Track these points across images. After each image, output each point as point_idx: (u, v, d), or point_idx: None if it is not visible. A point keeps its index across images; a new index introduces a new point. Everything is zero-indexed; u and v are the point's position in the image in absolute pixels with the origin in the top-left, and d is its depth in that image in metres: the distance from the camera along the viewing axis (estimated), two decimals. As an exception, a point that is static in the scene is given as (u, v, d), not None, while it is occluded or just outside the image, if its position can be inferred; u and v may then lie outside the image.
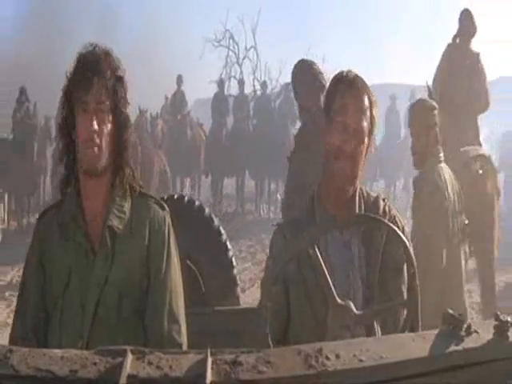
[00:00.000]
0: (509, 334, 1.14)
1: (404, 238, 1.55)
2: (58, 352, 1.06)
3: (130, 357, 1.02)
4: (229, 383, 0.98)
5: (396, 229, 1.57)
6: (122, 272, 1.73)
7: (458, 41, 5.19)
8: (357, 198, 1.73)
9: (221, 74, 15.43)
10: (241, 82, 13.86)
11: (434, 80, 5.10)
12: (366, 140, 1.71)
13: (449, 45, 5.23)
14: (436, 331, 1.17)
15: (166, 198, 2.77)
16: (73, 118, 1.73)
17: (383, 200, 1.78)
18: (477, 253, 4.51)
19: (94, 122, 1.70)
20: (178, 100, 12.65)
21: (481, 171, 4.58)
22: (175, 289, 1.81)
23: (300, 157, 3.64)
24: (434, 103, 3.54)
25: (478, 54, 5.16)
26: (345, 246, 1.69)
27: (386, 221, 1.62)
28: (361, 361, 1.04)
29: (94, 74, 1.70)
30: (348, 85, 1.70)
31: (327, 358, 1.03)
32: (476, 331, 1.15)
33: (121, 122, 1.76)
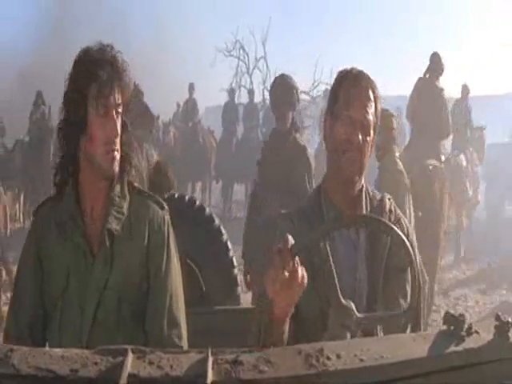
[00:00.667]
0: (509, 334, 1.14)
1: (407, 241, 1.55)
2: (58, 351, 1.06)
3: (130, 356, 1.02)
4: (229, 383, 0.98)
5: (400, 232, 1.56)
6: (121, 275, 1.72)
7: (427, 76, 6.30)
8: (363, 195, 1.74)
9: (231, 84, 15.89)
10: (251, 92, 14.40)
11: (408, 106, 6.33)
12: (372, 133, 1.71)
13: (419, 78, 6.28)
14: (437, 331, 1.17)
15: (166, 197, 2.77)
16: (84, 122, 1.67)
17: (389, 199, 1.78)
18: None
19: (118, 126, 1.67)
20: (189, 108, 13.06)
21: (430, 167, 5.68)
22: (175, 291, 1.79)
23: (271, 160, 3.98)
24: (393, 112, 4.51)
25: (442, 89, 6.27)
26: (352, 244, 1.69)
27: (390, 223, 1.62)
28: (362, 361, 1.04)
29: (114, 79, 1.66)
30: (352, 80, 1.71)
31: (328, 358, 1.03)
32: (477, 332, 1.15)
33: (125, 123, 1.74)
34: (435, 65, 6.27)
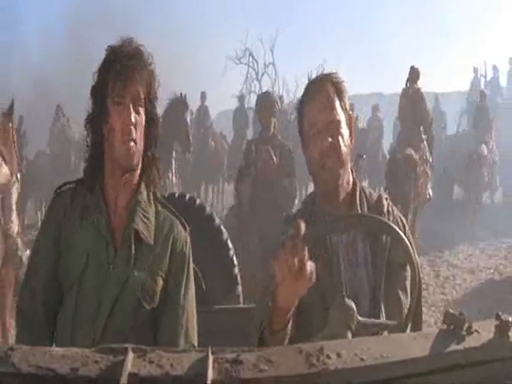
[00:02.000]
0: (510, 333, 1.14)
1: (406, 239, 1.55)
2: (59, 350, 1.06)
3: (131, 355, 1.02)
4: (230, 382, 0.98)
5: (398, 230, 1.56)
6: (142, 277, 1.71)
7: (408, 85, 8.05)
8: (358, 195, 1.73)
9: (241, 90, 16.79)
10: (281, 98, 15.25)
11: (398, 110, 8.29)
12: (345, 130, 1.70)
13: (403, 89, 8.14)
14: (437, 330, 1.17)
15: (167, 196, 2.77)
16: (104, 111, 1.69)
17: (386, 199, 1.78)
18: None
19: (132, 115, 1.66)
20: (201, 114, 14.15)
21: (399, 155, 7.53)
22: (192, 311, 1.80)
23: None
24: None
25: (418, 89, 8.00)
26: (351, 245, 1.69)
27: (388, 221, 1.62)
28: (362, 360, 1.04)
29: (131, 68, 1.67)
30: (309, 94, 1.72)
31: (328, 357, 1.03)
32: (477, 331, 1.15)
33: (152, 118, 1.73)
34: (412, 75, 8.03)
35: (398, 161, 7.43)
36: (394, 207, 1.79)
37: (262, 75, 17.37)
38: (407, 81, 8.03)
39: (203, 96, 14.44)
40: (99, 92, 1.70)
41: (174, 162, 8.49)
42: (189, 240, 1.84)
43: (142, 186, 1.76)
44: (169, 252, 1.77)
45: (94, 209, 1.72)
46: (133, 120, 1.66)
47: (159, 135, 1.78)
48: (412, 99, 7.82)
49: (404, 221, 1.79)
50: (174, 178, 8.55)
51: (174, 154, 8.48)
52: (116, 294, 1.68)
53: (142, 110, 1.70)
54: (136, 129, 1.67)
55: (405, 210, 6.99)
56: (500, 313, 1.16)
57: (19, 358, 1.02)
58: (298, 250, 1.27)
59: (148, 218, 1.75)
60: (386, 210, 1.74)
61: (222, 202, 13.90)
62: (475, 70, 17.65)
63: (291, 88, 16.76)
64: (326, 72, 1.78)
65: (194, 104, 13.69)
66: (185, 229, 1.83)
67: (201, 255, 2.77)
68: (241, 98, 15.13)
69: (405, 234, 1.62)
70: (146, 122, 1.72)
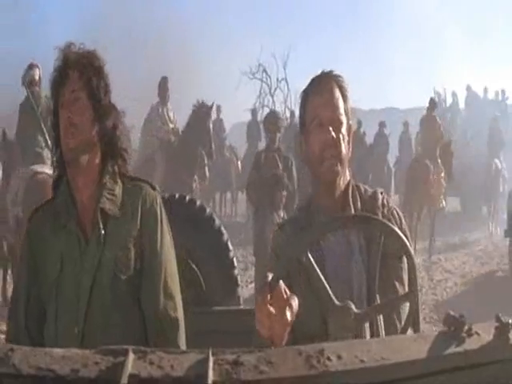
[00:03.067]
0: (510, 335, 1.14)
1: (401, 233, 1.55)
2: (59, 351, 1.06)
3: (131, 356, 1.02)
4: (230, 383, 0.98)
5: (392, 225, 1.57)
6: (114, 252, 1.75)
7: (426, 112, 10.61)
8: (350, 193, 1.73)
9: (254, 104, 17.83)
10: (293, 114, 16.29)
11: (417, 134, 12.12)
12: (346, 134, 1.71)
13: (423, 116, 10.67)
14: (437, 332, 1.17)
15: (167, 197, 2.77)
16: (58, 114, 1.77)
17: (381, 193, 1.77)
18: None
19: (69, 114, 1.72)
20: (216, 127, 14.66)
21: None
22: (170, 266, 1.83)
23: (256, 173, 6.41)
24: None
25: (434, 117, 10.39)
26: (345, 239, 1.69)
27: (380, 218, 1.62)
28: (362, 361, 1.04)
29: (67, 68, 1.74)
30: (314, 89, 1.71)
31: (329, 359, 1.03)
32: (477, 333, 1.15)
33: (101, 110, 1.77)
34: (431, 105, 10.46)
35: (415, 168, 9.62)
36: (390, 200, 1.79)
37: (275, 90, 18.35)
38: (427, 110, 10.46)
39: (218, 109, 15.17)
40: (54, 100, 1.80)
41: (197, 168, 8.94)
42: (159, 199, 1.87)
43: (105, 168, 1.81)
44: (139, 215, 1.81)
45: (63, 212, 1.78)
46: (70, 118, 1.72)
47: (113, 107, 1.82)
48: (430, 124, 10.14)
49: (400, 214, 1.78)
50: (197, 184, 8.91)
51: (198, 161, 8.85)
52: (92, 277, 1.73)
53: (85, 106, 1.75)
54: (76, 126, 1.73)
55: (417, 210, 9.54)
56: (500, 314, 1.16)
57: (19, 358, 1.02)
58: (268, 300, 1.29)
59: (114, 195, 1.80)
60: (380, 202, 1.74)
61: (235, 209, 15.41)
62: (437, 95, 18.96)
63: None
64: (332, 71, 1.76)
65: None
66: (153, 189, 1.87)
67: (201, 256, 2.78)
68: (254, 112, 16.00)
69: (401, 226, 1.63)
70: (96, 115, 1.77)
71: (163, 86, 10.28)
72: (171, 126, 10.20)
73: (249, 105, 17.49)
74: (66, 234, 1.76)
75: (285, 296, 1.32)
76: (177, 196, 2.95)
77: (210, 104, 9.13)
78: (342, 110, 1.70)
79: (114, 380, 0.97)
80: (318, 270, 1.52)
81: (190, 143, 8.82)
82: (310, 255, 1.52)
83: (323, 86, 1.70)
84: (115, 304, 1.74)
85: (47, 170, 5.91)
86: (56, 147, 1.81)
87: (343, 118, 1.70)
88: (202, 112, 8.93)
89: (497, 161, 14.34)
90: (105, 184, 1.79)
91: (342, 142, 1.68)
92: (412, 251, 1.58)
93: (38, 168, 6.21)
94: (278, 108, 17.32)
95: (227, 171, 14.49)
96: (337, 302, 1.51)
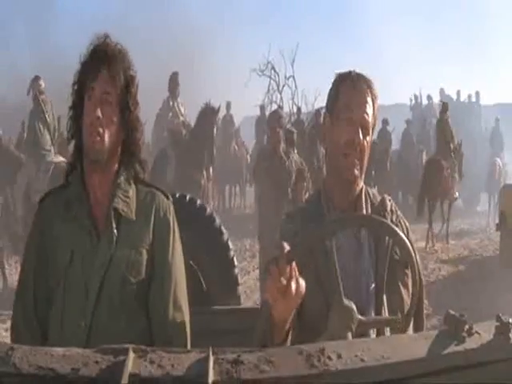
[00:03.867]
0: (510, 335, 1.14)
1: (407, 241, 1.55)
2: (59, 350, 1.06)
3: (131, 355, 1.02)
4: (231, 382, 0.98)
5: (401, 232, 1.56)
6: (125, 254, 1.74)
7: (439, 115, 11.81)
8: (363, 196, 1.74)
9: (263, 100, 18.44)
10: (280, 108, 16.41)
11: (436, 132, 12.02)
12: (371, 133, 1.72)
13: (438, 119, 11.95)
14: (437, 332, 1.17)
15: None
16: (81, 105, 1.74)
17: (389, 200, 1.78)
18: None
19: (98, 110, 1.70)
20: (227, 121, 15.96)
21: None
22: (180, 277, 1.83)
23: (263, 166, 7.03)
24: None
25: (447, 119, 11.28)
26: (355, 238, 1.70)
27: (391, 223, 1.62)
28: (363, 361, 1.04)
29: (102, 63, 1.71)
30: (352, 82, 1.72)
31: (329, 358, 1.03)
32: (477, 332, 1.15)
33: (129, 121, 1.76)
34: (444, 107, 11.43)
35: (430, 165, 10.93)
36: (397, 208, 1.80)
37: (283, 87, 18.85)
38: (440, 113, 11.58)
39: (228, 105, 16.19)
40: (77, 86, 1.76)
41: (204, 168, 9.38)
42: (172, 208, 1.86)
43: (122, 169, 1.80)
44: (152, 222, 1.80)
45: (76, 203, 1.76)
46: (98, 114, 1.69)
47: (139, 120, 1.81)
48: (443, 127, 11.14)
49: (406, 223, 1.79)
50: (205, 181, 9.31)
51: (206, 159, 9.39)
52: (101, 275, 1.72)
53: (114, 110, 1.73)
54: (103, 125, 1.71)
55: (432, 202, 10.88)
56: (500, 314, 1.16)
57: (20, 357, 1.02)
58: (283, 271, 1.32)
59: (128, 197, 1.79)
60: (389, 209, 1.76)
61: (244, 202, 16.28)
62: (415, 97, 20.42)
63: (310, 100, 17.96)
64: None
65: (221, 112, 15.38)
66: (167, 198, 1.86)
67: (201, 256, 2.77)
68: (262, 108, 16.66)
69: (407, 236, 1.62)
70: (124, 125, 1.75)
71: (174, 80, 10.82)
72: (181, 118, 10.73)
73: (258, 101, 17.97)
74: (77, 226, 1.74)
75: (294, 274, 1.34)
76: (177, 195, 2.95)
77: (216, 106, 9.54)
78: (371, 118, 1.71)
79: (115, 379, 0.97)
80: (336, 262, 1.53)
81: (198, 142, 9.20)
82: (333, 243, 1.53)
83: (360, 85, 1.71)
84: (123, 305, 1.73)
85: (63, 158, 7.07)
86: (75, 137, 1.78)
87: (370, 125, 1.71)
88: (207, 116, 9.32)
89: (498, 160, 16.08)
90: (119, 184, 1.78)
91: (366, 147, 1.69)
92: (418, 263, 1.58)
93: (55, 159, 7.54)
94: (286, 104, 17.92)
95: (237, 165, 15.27)
96: (345, 301, 1.51)
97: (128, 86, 1.74)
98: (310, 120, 14.41)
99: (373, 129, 1.73)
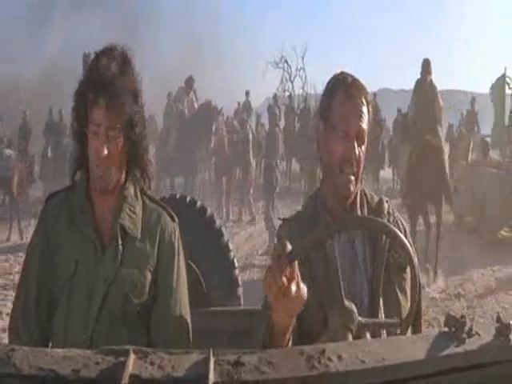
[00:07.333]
0: (510, 336, 1.14)
1: (406, 241, 1.55)
2: (60, 351, 1.06)
3: (132, 357, 1.02)
4: (231, 384, 0.98)
5: (399, 232, 1.56)
6: (129, 273, 1.73)
7: (421, 77, 8.40)
8: (359, 198, 1.73)
9: (277, 88, 22.46)
10: (290, 97, 20.56)
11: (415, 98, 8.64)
12: (366, 141, 1.70)
13: (418, 79, 8.42)
14: (437, 333, 1.17)
15: (167, 197, 2.77)
16: (85, 113, 1.69)
17: (386, 202, 1.78)
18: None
19: (105, 148, 1.67)
20: (246, 107, 18.12)
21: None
22: (183, 302, 1.81)
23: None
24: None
25: (435, 87, 8.34)
26: (350, 244, 1.69)
27: (389, 224, 1.62)
28: (363, 362, 1.04)
29: (107, 98, 1.65)
30: (345, 91, 1.68)
31: (329, 360, 1.03)
32: (477, 333, 1.15)
33: (134, 140, 1.74)
34: (427, 68, 8.36)
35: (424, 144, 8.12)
36: (395, 209, 1.80)
37: (295, 77, 22.87)
38: (422, 73, 8.38)
39: (247, 94, 18.54)
40: (81, 102, 1.70)
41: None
42: (177, 231, 1.85)
43: (128, 183, 1.78)
44: (157, 244, 1.78)
45: (80, 214, 1.75)
46: (105, 153, 1.67)
47: (144, 138, 1.77)
48: (427, 91, 8.25)
49: (404, 224, 1.79)
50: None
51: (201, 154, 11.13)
52: (104, 291, 1.70)
53: (119, 137, 1.69)
54: (108, 158, 1.68)
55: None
56: (501, 315, 1.16)
57: (20, 358, 1.02)
58: (284, 268, 1.26)
59: (135, 213, 1.77)
60: (386, 211, 1.75)
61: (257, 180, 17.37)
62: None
63: (319, 90, 20.44)
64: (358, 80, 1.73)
65: (241, 97, 18.92)
66: (173, 220, 1.84)
67: (202, 257, 2.78)
68: (274, 98, 19.13)
69: (405, 237, 1.62)
70: (129, 143, 1.72)
71: (189, 83, 12.37)
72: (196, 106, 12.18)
73: (273, 89, 21.81)
74: (82, 237, 1.73)
75: (296, 275, 1.29)
76: (178, 196, 2.95)
77: (219, 107, 11.39)
78: (365, 123, 1.68)
79: (115, 380, 0.97)
80: (338, 263, 1.52)
81: (198, 124, 10.66)
82: (335, 244, 1.53)
83: (354, 95, 1.68)
84: (124, 320, 1.72)
85: None
86: (83, 145, 1.74)
87: (366, 133, 1.69)
88: (205, 113, 11.08)
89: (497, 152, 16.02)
90: (126, 198, 1.76)
91: (361, 158, 1.68)
92: (416, 262, 1.58)
93: None
94: (297, 92, 22.03)
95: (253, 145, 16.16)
96: (345, 302, 1.51)
97: (131, 106, 1.69)
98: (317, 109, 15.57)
99: (368, 134, 1.72)
